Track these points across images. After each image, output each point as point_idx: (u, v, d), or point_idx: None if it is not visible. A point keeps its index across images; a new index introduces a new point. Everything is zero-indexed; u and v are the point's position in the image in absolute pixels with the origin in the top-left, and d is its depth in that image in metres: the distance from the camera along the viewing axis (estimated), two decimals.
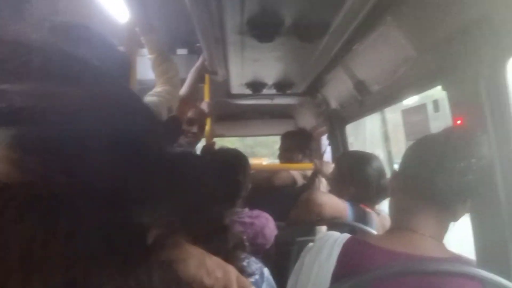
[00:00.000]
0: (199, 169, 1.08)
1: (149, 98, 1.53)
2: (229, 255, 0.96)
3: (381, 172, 1.72)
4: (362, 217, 1.59)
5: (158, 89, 1.61)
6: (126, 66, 1.35)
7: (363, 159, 1.75)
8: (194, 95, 1.92)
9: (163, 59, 1.66)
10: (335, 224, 1.55)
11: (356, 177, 1.69)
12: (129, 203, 0.26)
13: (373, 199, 1.70)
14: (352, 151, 2.42)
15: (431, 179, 0.89)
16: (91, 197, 0.23)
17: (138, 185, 0.27)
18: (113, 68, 1.18)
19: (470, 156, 0.87)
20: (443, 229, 0.93)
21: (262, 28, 1.18)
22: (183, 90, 1.86)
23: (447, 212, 0.91)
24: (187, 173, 1.05)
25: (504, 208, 0.96)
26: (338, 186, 1.78)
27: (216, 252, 0.77)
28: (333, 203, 1.55)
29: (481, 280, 0.84)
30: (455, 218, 0.93)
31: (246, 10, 1.11)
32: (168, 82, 1.63)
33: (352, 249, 0.92)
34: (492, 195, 0.97)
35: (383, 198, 1.71)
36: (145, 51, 1.75)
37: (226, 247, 0.95)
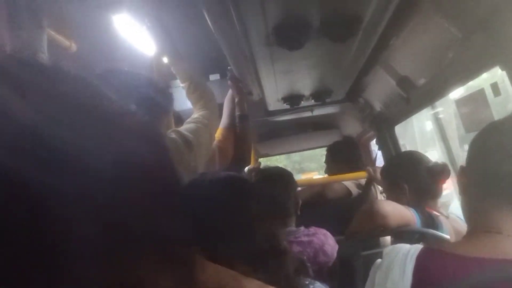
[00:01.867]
0: (244, 192, 1.01)
1: (186, 126, 1.52)
2: (292, 282, 0.87)
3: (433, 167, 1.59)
4: (431, 222, 1.44)
5: (195, 115, 1.60)
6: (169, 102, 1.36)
7: (411, 156, 1.69)
8: (234, 124, 1.89)
9: (196, 85, 1.65)
10: (401, 233, 1.42)
11: (409, 175, 1.59)
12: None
13: (434, 197, 1.57)
14: (398, 152, 2.32)
15: (508, 171, 0.78)
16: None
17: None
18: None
19: None
20: None
21: (289, 35, 1.11)
22: (224, 122, 1.84)
23: None
24: (231, 197, 0.97)
25: None
26: (393, 189, 1.67)
27: (276, 280, 0.68)
28: (398, 212, 1.42)
29: None
30: None
31: (269, 19, 1.05)
32: (204, 107, 1.62)
33: (430, 262, 0.81)
34: None
35: (440, 194, 1.59)
36: (177, 82, 1.74)
37: (287, 273, 0.87)
